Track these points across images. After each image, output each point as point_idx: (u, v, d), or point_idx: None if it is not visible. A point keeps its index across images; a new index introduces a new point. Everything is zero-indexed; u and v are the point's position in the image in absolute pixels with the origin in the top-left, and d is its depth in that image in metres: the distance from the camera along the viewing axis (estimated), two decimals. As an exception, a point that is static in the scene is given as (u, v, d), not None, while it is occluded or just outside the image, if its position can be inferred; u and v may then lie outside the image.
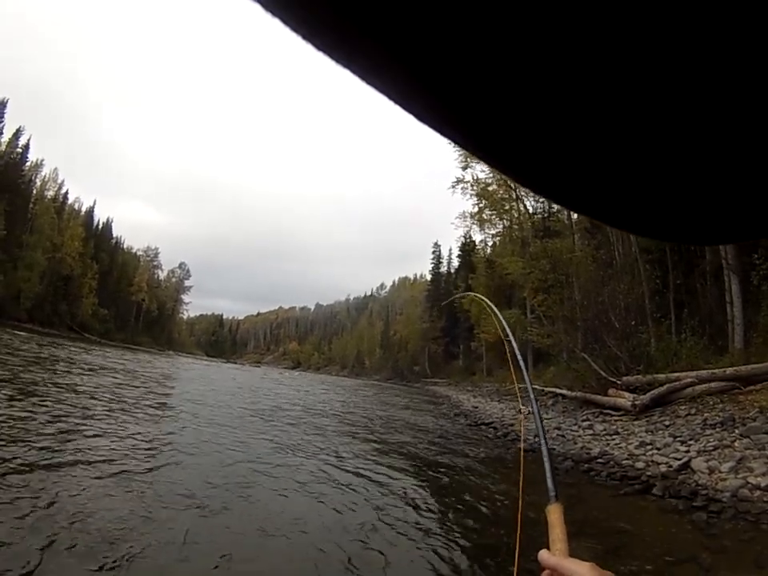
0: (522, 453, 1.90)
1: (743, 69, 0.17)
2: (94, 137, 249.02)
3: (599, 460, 8.14)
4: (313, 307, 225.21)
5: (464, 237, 54.42)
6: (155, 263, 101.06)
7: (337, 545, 4.05)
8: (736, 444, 7.07)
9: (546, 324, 22.10)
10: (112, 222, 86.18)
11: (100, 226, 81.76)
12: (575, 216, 30.23)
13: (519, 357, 1.71)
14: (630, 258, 21.38)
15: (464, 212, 38.90)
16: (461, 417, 17.31)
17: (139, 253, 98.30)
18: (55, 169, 69.33)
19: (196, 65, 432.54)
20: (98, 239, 77.41)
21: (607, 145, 0.21)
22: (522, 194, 34.36)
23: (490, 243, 45.54)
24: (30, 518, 3.56)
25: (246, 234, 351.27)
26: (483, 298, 2.42)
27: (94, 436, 6.38)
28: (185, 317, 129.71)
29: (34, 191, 63.53)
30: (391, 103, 0.21)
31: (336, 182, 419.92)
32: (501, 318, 2.09)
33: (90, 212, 78.84)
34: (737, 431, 7.54)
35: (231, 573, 3.36)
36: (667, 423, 9.48)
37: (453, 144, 0.25)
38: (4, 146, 58.34)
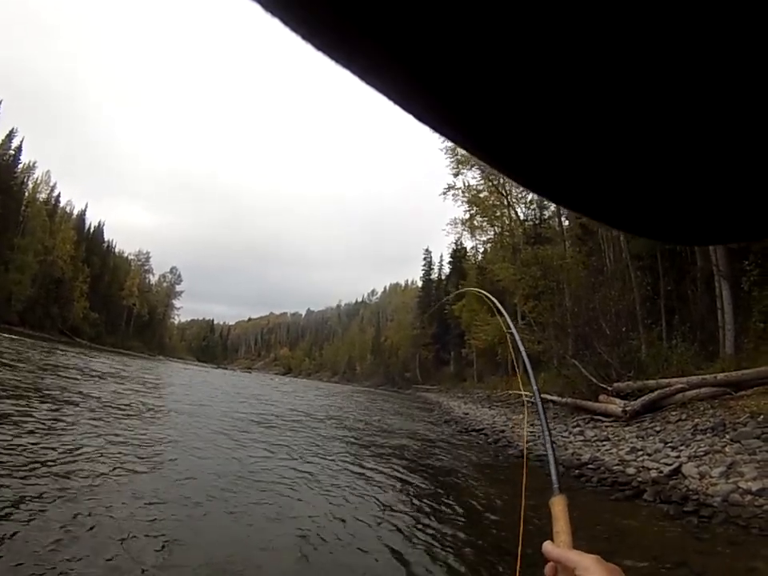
0: (525, 444, 1.85)
1: (739, 71, 0.17)
2: (94, 137, 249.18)
3: (590, 466, 8.08)
4: (304, 313, 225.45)
5: (455, 243, 54.63)
6: (146, 267, 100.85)
7: (335, 545, 4.04)
8: (727, 449, 7.04)
9: (537, 330, 22.09)
10: (104, 225, 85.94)
11: (92, 230, 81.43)
12: (566, 223, 30.39)
13: (522, 348, 1.66)
14: (621, 264, 21.48)
15: (455, 218, 39.10)
16: (452, 423, 17.27)
17: (131, 257, 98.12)
18: (48, 171, 69.26)
19: (195, 65, 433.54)
20: (90, 242, 77.07)
21: (605, 145, 0.21)
22: (514, 200, 34.56)
23: (481, 250, 45.70)
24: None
25: (238, 238, 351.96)
26: (484, 292, 2.35)
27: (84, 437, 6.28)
28: (176, 322, 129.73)
29: (27, 193, 63.07)
30: (391, 103, 0.21)
31: (332, 183, 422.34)
32: (502, 310, 2.04)
33: (82, 215, 78.62)
34: (727, 436, 7.52)
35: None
36: (658, 429, 9.46)
37: (453, 144, 0.24)
38: (-3, 148, 58.05)
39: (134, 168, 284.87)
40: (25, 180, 63.26)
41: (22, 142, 61.30)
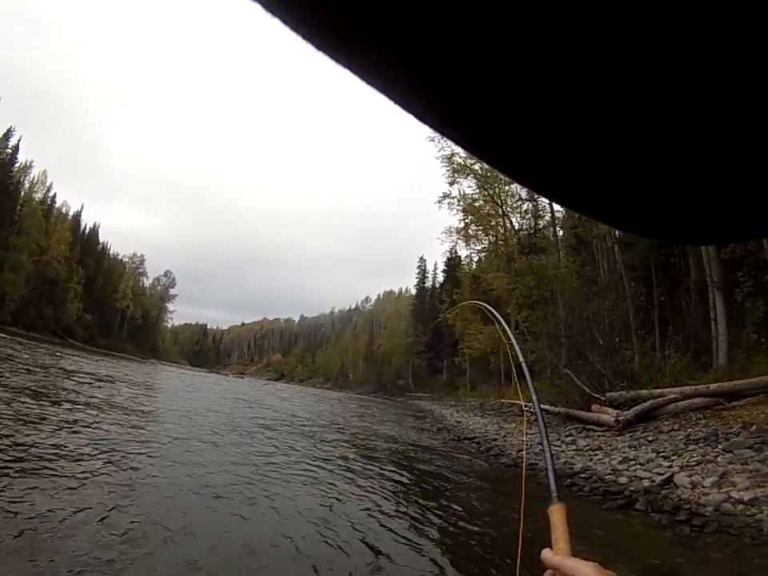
0: (525, 453, 1.84)
1: (739, 73, 0.17)
2: (94, 137, 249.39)
3: (582, 475, 8.06)
4: (297, 319, 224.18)
5: (450, 252, 54.54)
6: (141, 270, 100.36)
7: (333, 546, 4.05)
8: (719, 459, 7.05)
9: (530, 340, 22.11)
10: (99, 227, 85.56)
11: (87, 231, 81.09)
12: (561, 233, 30.52)
13: (521, 357, 1.67)
14: (614, 274, 21.58)
15: (450, 227, 39.14)
16: (444, 431, 17.26)
17: (125, 259, 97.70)
18: (44, 171, 68.66)
19: (195, 65, 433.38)
20: (85, 244, 76.69)
21: (605, 144, 0.21)
22: (509, 210, 34.70)
23: (475, 258, 45.72)
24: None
25: (232, 243, 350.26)
26: (484, 305, 2.41)
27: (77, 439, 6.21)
28: (169, 325, 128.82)
29: (22, 193, 62.62)
30: (391, 103, 0.21)
31: (328, 189, 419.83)
32: (503, 322, 2.08)
33: (77, 216, 78.28)
34: (720, 446, 7.54)
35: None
36: (650, 439, 9.46)
37: (453, 143, 0.24)
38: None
39: (131, 170, 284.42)
40: (21, 179, 62.88)
41: (19, 141, 61.03)
